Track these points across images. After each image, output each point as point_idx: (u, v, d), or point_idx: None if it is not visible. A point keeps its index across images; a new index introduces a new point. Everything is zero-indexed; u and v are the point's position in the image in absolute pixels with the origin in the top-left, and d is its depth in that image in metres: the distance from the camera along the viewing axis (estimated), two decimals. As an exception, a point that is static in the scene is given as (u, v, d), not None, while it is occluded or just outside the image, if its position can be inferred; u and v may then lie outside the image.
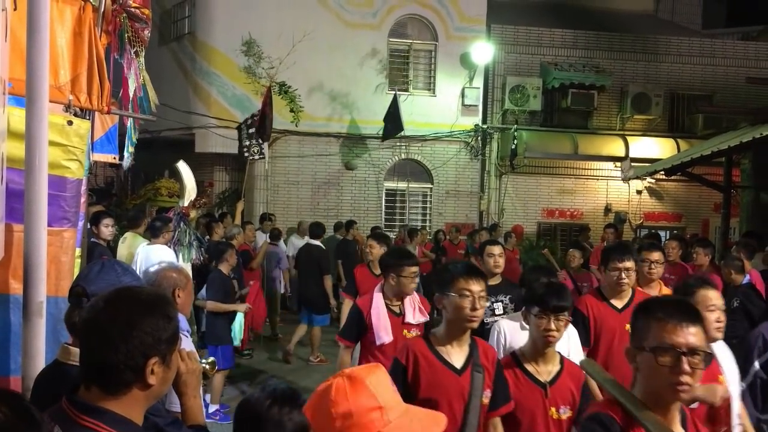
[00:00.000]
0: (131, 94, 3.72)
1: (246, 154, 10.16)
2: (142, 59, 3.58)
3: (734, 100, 13.77)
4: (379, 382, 1.66)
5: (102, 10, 3.17)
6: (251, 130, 10.07)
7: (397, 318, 4.10)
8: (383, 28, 13.74)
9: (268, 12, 12.94)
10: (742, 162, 10.37)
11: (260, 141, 10.11)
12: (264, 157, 10.25)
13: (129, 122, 4.98)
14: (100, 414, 1.51)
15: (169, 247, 6.34)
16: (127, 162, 6.66)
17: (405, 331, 4.09)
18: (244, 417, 1.87)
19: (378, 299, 4.10)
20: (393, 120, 12.60)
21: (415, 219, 14.36)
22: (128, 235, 6.89)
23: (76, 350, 2.00)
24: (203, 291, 7.20)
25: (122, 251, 6.56)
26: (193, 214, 7.95)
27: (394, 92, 12.86)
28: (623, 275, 3.82)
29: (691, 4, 17.96)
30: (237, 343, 6.74)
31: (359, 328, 4.10)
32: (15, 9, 2.62)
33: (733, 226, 11.04)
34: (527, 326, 3.09)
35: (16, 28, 2.67)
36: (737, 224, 11.08)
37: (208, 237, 8.70)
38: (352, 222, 11.40)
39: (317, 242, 8.84)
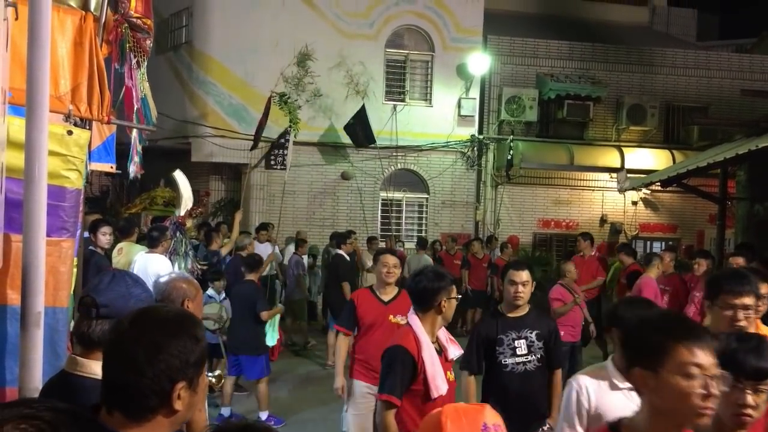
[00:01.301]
0: (135, 104, 3.71)
1: (272, 164, 10.39)
2: (144, 69, 3.57)
3: (729, 111, 13.85)
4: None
5: (103, 20, 3.17)
6: (281, 140, 10.33)
7: (440, 357, 3.28)
8: (380, 39, 13.79)
9: (265, 22, 12.98)
10: (738, 174, 10.42)
11: (284, 152, 10.31)
12: (285, 168, 10.38)
13: (133, 132, 4.96)
14: None
15: (166, 256, 6.32)
16: (132, 172, 6.59)
17: (448, 372, 3.30)
18: None
19: (426, 340, 3.21)
20: (364, 130, 12.67)
21: (411, 229, 14.36)
22: (123, 244, 6.84)
23: (84, 361, 1.98)
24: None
25: (120, 261, 6.53)
26: (189, 223, 7.94)
27: (362, 104, 12.92)
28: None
29: (685, 17, 18.09)
30: (274, 342, 6.87)
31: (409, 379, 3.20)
32: (16, 19, 2.61)
33: (728, 238, 11.07)
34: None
35: (17, 37, 2.66)
36: (732, 236, 11.12)
37: (205, 245, 8.69)
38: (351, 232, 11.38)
39: (340, 251, 9.35)
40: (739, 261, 6.95)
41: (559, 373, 4.15)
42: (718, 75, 14.86)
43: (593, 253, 9.75)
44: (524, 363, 3.93)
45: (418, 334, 3.20)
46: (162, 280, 2.85)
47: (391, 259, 4.82)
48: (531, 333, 3.97)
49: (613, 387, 2.65)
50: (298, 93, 12.16)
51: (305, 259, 10.70)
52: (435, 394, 3.14)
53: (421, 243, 12.00)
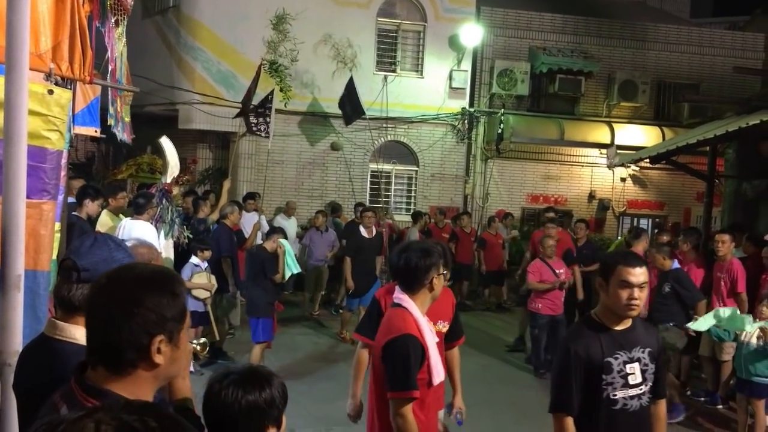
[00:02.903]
0: (110, 65, 3.61)
1: (254, 130, 10.20)
2: (122, 29, 3.47)
3: (720, 89, 13.84)
4: None
5: (85, -25, 3.07)
6: (261, 109, 10.11)
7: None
8: (372, 7, 13.59)
9: (256, -13, 12.72)
10: (727, 152, 10.42)
11: (267, 119, 10.11)
12: (268, 136, 10.20)
13: (110, 93, 4.83)
14: (103, 396, 1.45)
15: (152, 223, 6.25)
16: (121, 135, 6.39)
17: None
18: (204, 400, 1.99)
19: (424, 322, 3.05)
20: (351, 103, 12.50)
21: (400, 201, 14.34)
22: (103, 212, 6.73)
23: (63, 324, 1.95)
24: (186, 271, 7.17)
25: (97, 228, 6.43)
26: (175, 191, 7.87)
27: (350, 76, 12.71)
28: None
29: (679, -7, 17.98)
30: (295, 270, 7.17)
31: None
32: (-6, -29, 2.51)
33: (715, 216, 11.12)
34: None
35: (-5, -9, 2.57)
36: (719, 214, 11.17)
37: (191, 214, 8.62)
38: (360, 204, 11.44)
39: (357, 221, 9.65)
40: (725, 238, 7.00)
41: (664, 405, 3.14)
42: (710, 52, 14.81)
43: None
44: (639, 396, 2.93)
45: (417, 317, 3.00)
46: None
47: None
48: (643, 352, 2.95)
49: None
50: (276, 58, 11.93)
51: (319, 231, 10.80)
52: (436, 380, 3.04)
53: (414, 217, 11.98)
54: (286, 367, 7.32)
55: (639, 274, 2.85)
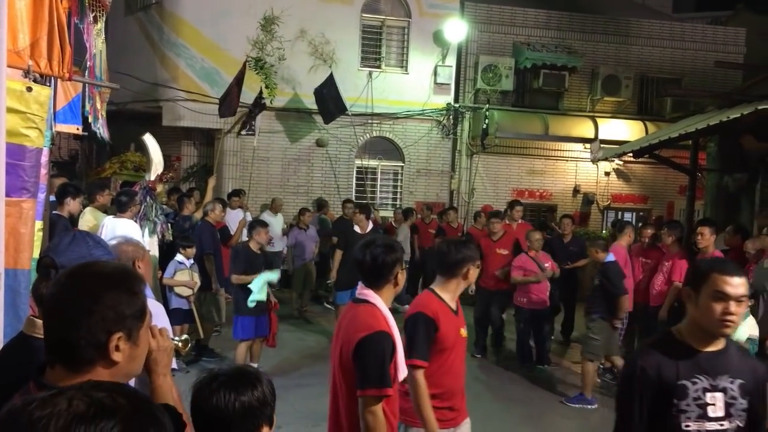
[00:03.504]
0: (88, 61, 3.58)
1: (248, 131, 10.20)
2: (101, 26, 3.44)
3: (702, 83, 13.95)
4: None
5: (63, -28, 3.04)
6: (256, 109, 10.12)
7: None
8: (356, 4, 13.57)
9: (239, -17, 12.67)
10: (708, 145, 10.52)
11: (253, 119, 10.12)
12: (254, 134, 10.19)
13: (86, 89, 4.77)
14: None
15: (135, 221, 6.22)
16: (100, 132, 6.32)
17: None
18: (193, 404, 1.96)
19: (391, 317, 3.06)
20: (333, 100, 12.46)
21: (386, 197, 14.35)
22: (87, 210, 6.69)
23: (41, 322, 1.94)
24: (169, 269, 7.14)
25: (81, 226, 6.39)
26: (159, 188, 7.82)
27: (330, 71, 12.67)
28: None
29: (662, -12, 18.10)
30: (260, 297, 6.72)
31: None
32: (-31, -33, 2.49)
33: (697, 209, 11.23)
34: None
35: (-29, -13, 2.54)
36: (702, 207, 11.28)
37: (176, 211, 8.58)
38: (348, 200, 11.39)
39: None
40: (705, 230, 7.06)
41: None
42: (692, 47, 14.93)
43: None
44: None
45: (385, 312, 2.99)
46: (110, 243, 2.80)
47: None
48: (732, 382, 2.45)
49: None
50: (263, 57, 11.94)
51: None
52: (401, 376, 3.03)
53: (405, 214, 11.96)
54: (272, 365, 7.33)
55: (738, 285, 2.39)
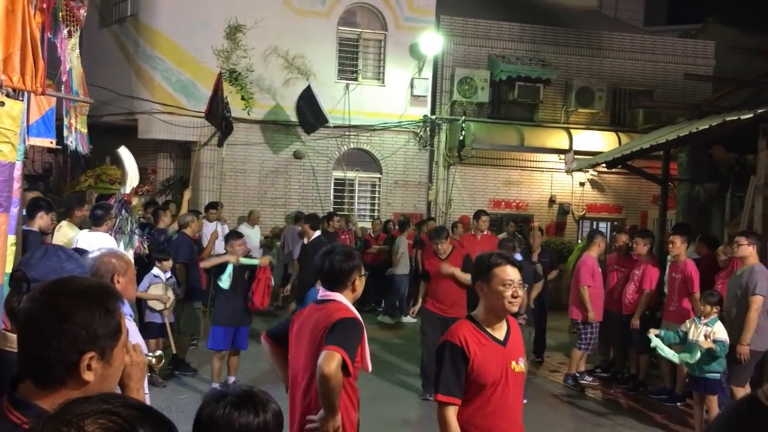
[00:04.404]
0: (63, 77, 3.57)
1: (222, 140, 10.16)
2: (75, 40, 3.44)
3: (673, 95, 14.21)
4: None
5: (37, -14, 3.05)
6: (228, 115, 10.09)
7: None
8: (332, 17, 13.65)
9: (215, -5, 12.68)
10: (679, 156, 10.72)
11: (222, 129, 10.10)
12: (222, 146, 10.20)
13: (64, 104, 4.75)
14: (26, 408, 1.43)
15: (111, 235, 6.18)
16: (75, 144, 6.23)
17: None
18: (197, 419, 1.92)
19: (357, 313, 3.21)
20: (313, 112, 12.55)
21: (364, 209, 14.39)
22: (63, 223, 6.63)
23: (13, 336, 1.93)
24: (144, 282, 7.09)
25: (57, 240, 6.33)
26: (135, 201, 7.77)
27: (308, 84, 12.78)
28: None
29: (633, 2, 18.47)
30: (226, 286, 6.67)
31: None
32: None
33: (670, 218, 11.42)
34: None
35: (-57, 2, 2.54)
36: (674, 216, 11.47)
37: (152, 225, 8.53)
38: (332, 214, 11.37)
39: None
40: (676, 239, 7.19)
41: None
42: (663, 59, 15.23)
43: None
44: None
45: (353, 310, 3.18)
46: (91, 255, 2.79)
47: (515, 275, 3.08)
48: None
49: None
50: (231, 66, 11.94)
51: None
52: (369, 368, 3.25)
53: (402, 226, 12.07)
54: (251, 377, 7.28)
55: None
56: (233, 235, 7.21)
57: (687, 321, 6.19)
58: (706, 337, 5.80)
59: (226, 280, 6.72)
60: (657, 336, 6.00)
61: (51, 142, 5.75)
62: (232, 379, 6.76)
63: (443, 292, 6.98)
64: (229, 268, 6.75)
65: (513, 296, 2.93)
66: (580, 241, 13.48)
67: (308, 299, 7.85)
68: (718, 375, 5.91)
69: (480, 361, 2.91)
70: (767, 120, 6.86)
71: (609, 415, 6.96)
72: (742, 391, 5.80)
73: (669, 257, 7.45)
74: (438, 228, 7.71)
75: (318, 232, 8.47)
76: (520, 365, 3.04)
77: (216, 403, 1.91)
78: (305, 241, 8.56)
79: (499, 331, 3.02)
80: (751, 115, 6.69)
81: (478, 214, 9.35)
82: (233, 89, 12.02)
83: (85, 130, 5.71)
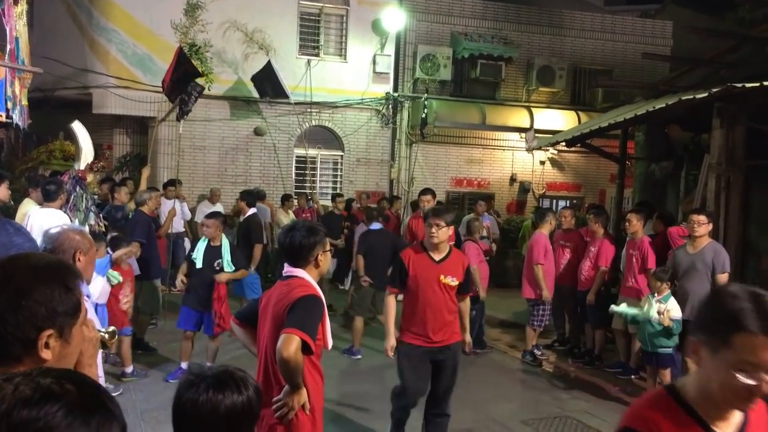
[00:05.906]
0: (8, 45, 3.42)
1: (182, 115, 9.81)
2: (22, 8, 3.29)
3: (632, 74, 14.41)
4: None
5: (-20, -50, 2.90)
6: (195, 93, 9.75)
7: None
8: (294, -9, 13.41)
9: (172, -33, 12.31)
10: (637, 134, 10.89)
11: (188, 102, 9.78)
12: (180, 121, 9.94)
13: (5, 74, 4.56)
14: None
15: (64, 211, 6.02)
16: (18, 120, 6.10)
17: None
18: (176, 403, 1.91)
19: (319, 291, 3.30)
20: (272, 86, 12.44)
21: (326, 186, 14.30)
22: (26, 200, 6.56)
23: None
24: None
25: (18, 214, 6.22)
26: (90, 177, 7.59)
27: (268, 59, 12.65)
28: None
29: (594, -19, 18.56)
30: (200, 265, 6.57)
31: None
32: None
33: (627, 196, 11.64)
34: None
35: None
36: (631, 194, 11.69)
37: (109, 202, 8.33)
38: (288, 196, 11.32)
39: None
40: (633, 217, 7.33)
41: None
42: (622, 39, 15.41)
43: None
44: None
45: (315, 285, 3.21)
46: (54, 230, 2.71)
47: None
48: None
49: None
50: (189, 41, 11.65)
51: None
52: (329, 345, 3.27)
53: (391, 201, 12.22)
54: (229, 358, 7.19)
55: None
56: (210, 215, 6.95)
57: (642, 298, 6.36)
58: (660, 313, 5.95)
59: (200, 259, 6.60)
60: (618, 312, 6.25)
61: (1, 116, 5.55)
62: (208, 365, 6.68)
63: (433, 316, 4.71)
64: (202, 245, 6.62)
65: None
66: (527, 220, 13.65)
67: (244, 285, 7.84)
68: (670, 350, 6.09)
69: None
70: (721, 99, 7.00)
71: (566, 389, 7.13)
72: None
73: (628, 234, 7.60)
74: (437, 208, 5.31)
75: (253, 209, 8.44)
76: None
77: (196, 388, 1.89)
78: (241, 218, 8.47)
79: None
80: (705, 95, 6.81)
81: (425, 192, 8.29)
82: (195, 63, 11.73)
83: (26, 103, 5.53)
